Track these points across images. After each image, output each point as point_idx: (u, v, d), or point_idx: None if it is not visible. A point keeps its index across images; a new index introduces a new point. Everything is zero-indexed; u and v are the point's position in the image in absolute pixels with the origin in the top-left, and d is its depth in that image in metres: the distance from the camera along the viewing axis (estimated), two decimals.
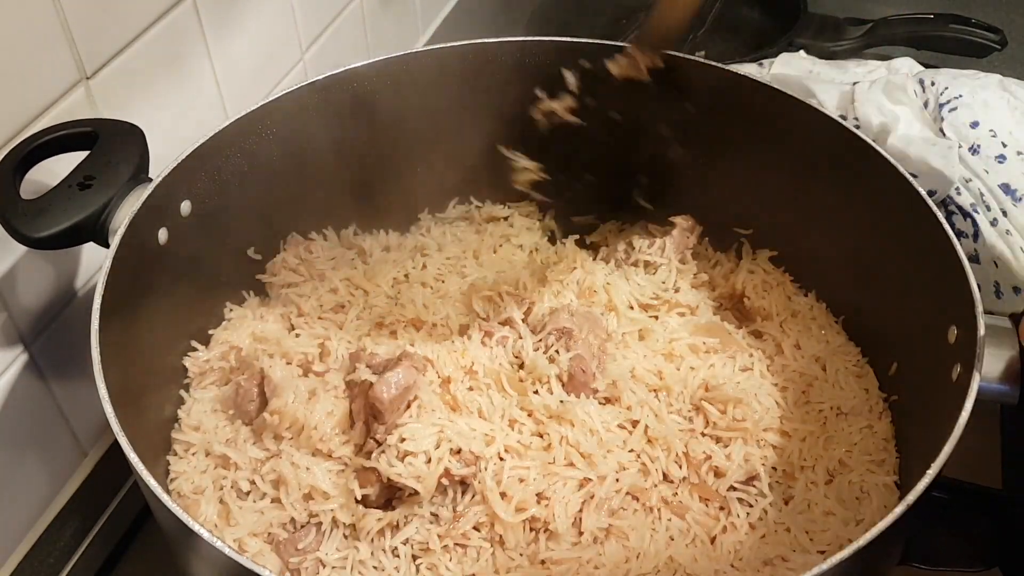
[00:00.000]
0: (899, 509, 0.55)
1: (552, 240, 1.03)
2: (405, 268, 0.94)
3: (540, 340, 0.83)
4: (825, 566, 0.52)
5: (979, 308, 0.65)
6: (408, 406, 0.76)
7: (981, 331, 0.63)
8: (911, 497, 0.56)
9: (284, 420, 0.77)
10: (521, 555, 0.72)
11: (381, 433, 0.75)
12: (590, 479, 0.74)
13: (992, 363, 0.64)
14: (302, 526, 0.75)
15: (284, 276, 0.93)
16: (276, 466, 0.76)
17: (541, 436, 0.76)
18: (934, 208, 0.74)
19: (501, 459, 0.74)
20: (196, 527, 0.56)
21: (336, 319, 0.87)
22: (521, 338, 0.83)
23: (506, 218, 1.03)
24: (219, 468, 0.78)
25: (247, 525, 0.74)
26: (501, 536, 0.72)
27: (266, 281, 0.94)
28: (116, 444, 0.61)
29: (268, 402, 0.78)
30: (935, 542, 0.80)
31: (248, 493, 0.77)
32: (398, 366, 0.77)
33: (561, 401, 0.78)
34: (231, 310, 0.91)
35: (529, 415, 0.78)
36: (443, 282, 0.92)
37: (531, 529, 0.73)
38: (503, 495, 0.72)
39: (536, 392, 0.79)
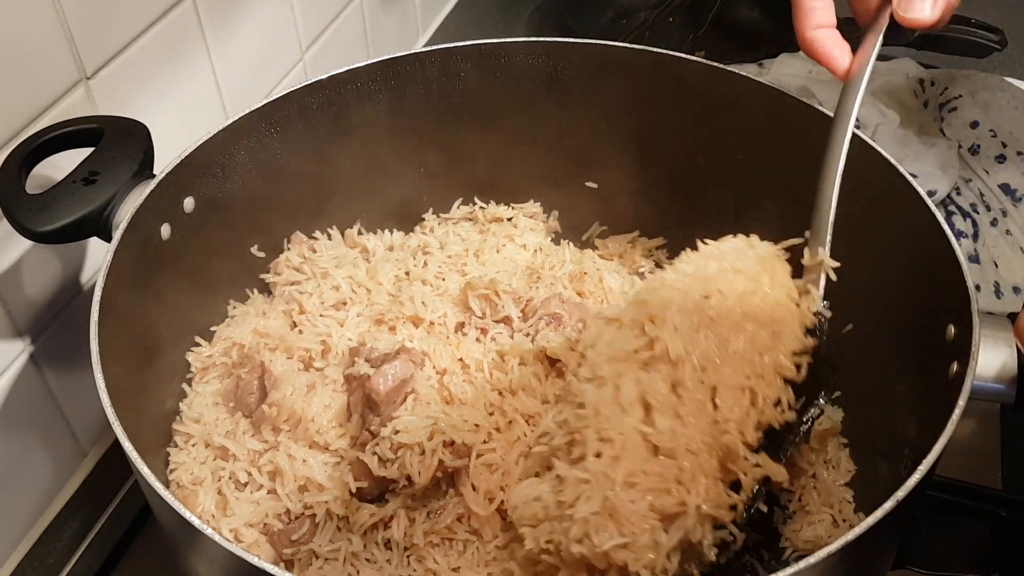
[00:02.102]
0: (888, 504, 0.54)
1: (556, 241, 1.03)
2: (407, 266, 0.94)
3: (531, 325, 0.83)
4: (813, 560, 0.52)
5: (975, 306, 0.65)
6: (404, 399, 0.77)
7: (976, 329, 0.63)
8: (901, 493, 0.55)
9: (282, 412, 0.78)
10: (498, 548, 0.72)
11: (376, 425, 0.75)
12: (531, 446, 0.74)
13: (988, 362, 0.63)
14: (296, 517, 0.76)
15: (287, 275, 0.93)
16: (273, 458, 0.77)
17: (504, 412, 0.77)
18: (934, 208, 0.74)
19: (484, 442, 0.74)
20: (190, 516, 0.56)
21: (338, 316, 0.88)
22: (514, 335, 0.84)
23: (510, 219, 1.03)
24: (218, 459, 0.79)
25: (243, 516, 0.75)
26: (478, 529, 0.73)
27: (269, 280, 0.94)
28: (117, 443, 0.61)
29: (268, 395, 0.79)
30: (934, 546, 0.80)
31: (246, 484, 0.77)
32: (395, 359, 0.78)
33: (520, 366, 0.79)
34: (234, 307, 0.91)
35: (499, 394, 0.78)
36: (443, 280, 0.92)
37: (503, 518, 0.73)
38: (474, 487, 0.72)
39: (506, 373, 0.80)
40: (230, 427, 0.80)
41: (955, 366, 0.64)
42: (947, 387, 0.64)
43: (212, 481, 0.77)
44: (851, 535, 0.52)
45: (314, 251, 0.96)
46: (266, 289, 0.95)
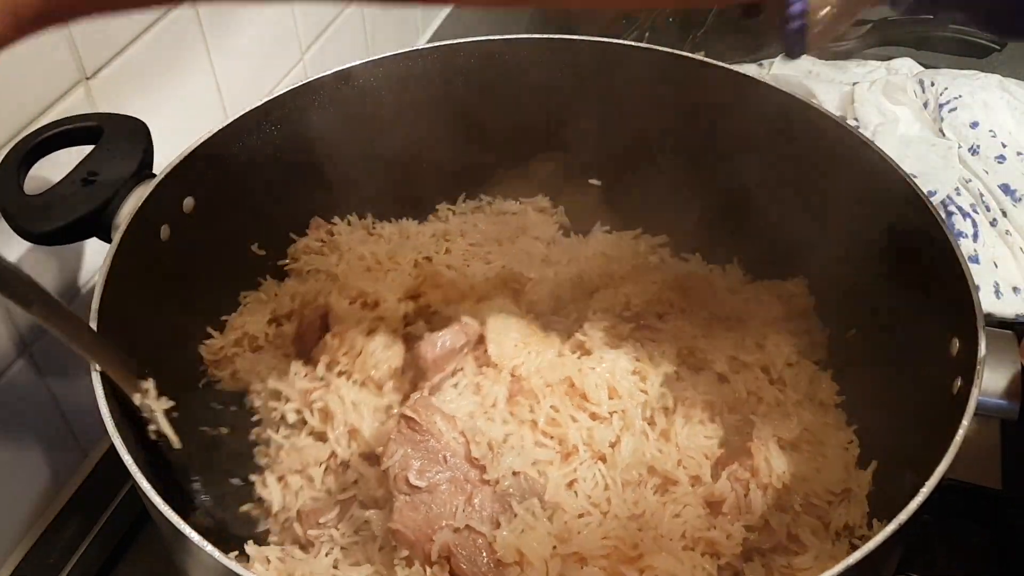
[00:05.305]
0: (891, 528, 0.54)
1: (566, 235, 1.02)
2: (427, 251, 0.94)
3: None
4: None
5: (981, 323, 0.64)
6: (453, 373, 0.78)
7: (982, 349, 0.62)
8: (903, 516, 0.55)
9: (344, 343, 0.79)
10: None
11: (426, 391, 0.76)
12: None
13: (993, 378, 0.63)
14: (332, 493, 0.76)
15: (307, 260, 0.93)
16: (324, 397, 0.78)
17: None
18: (934, 209, 0.74)
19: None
20: (188, 531, 0.56)
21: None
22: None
23: (515, 214, 1.03)
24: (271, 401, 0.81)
25: (290, 463, 0.76)
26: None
27: (290, 268, 0.94)
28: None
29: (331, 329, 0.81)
30: (934, 551, 0.80)
31: (293, 425, 0.79)
32: (449, 328, 0.79)
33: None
34: (246, 296, 0.91)
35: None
36: (468, 266, 0.92)
37: None
38: None
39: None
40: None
41: (959, 382, 0.64)
42: (950, 402, 0.63)
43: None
44: (852, 559, 0.53)
45: (332, 235, 0.96)
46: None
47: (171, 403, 0.73)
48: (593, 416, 0.77)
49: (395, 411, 0.78)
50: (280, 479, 0.77)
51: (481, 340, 0.80)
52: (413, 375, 0.79)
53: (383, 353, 0.79)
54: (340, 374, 0.80)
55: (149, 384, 0.72)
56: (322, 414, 0.78)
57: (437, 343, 0.78)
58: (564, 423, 0.76)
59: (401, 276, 0.90)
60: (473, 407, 0.77)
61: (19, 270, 0.60)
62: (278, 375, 0.82)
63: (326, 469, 0.78)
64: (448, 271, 0.90)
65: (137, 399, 0.70)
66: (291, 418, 0.78)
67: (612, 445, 0.76)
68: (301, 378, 0.81)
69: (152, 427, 0.72)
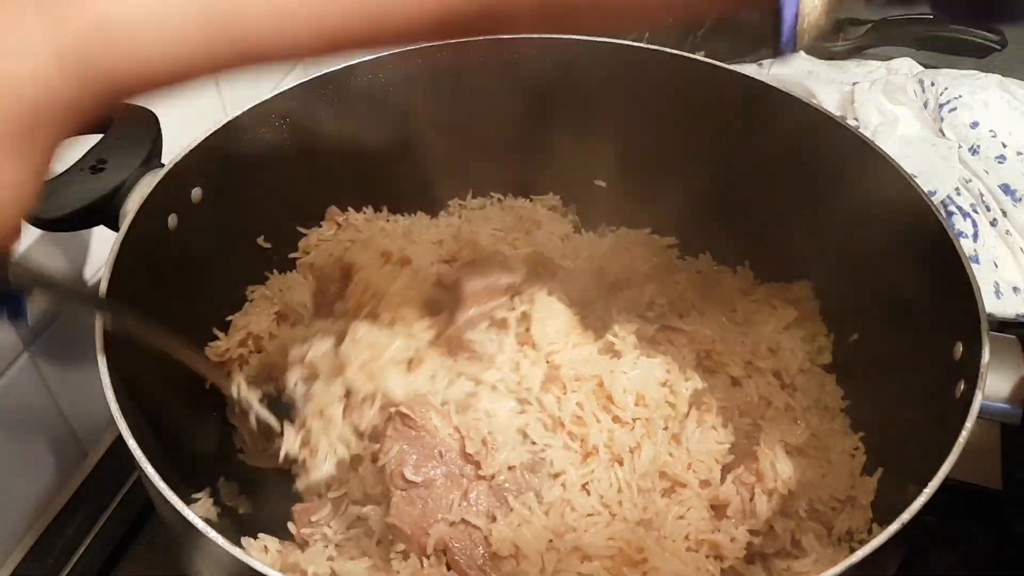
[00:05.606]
0: (894, 527, 0.54)
1: (577, 233, 1.02)
2: (445, 235, 0.93)
3: None
4: None
5: (985, 328, 0.64)
6: (491, 319, 0.78)
7: (986, 355, 0.62)
8: (906, 516, 0.55)
9: (369, 287, 0.78)
10: None
11: (461, 321, 0.76)
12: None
13: (997, 383, 0.63)
14: (319, 496, 0.76)
15: (321, 250, 0.93)
16: (335, 346, 0.77)
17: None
18: (935, 209, 0.74)
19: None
20: (197, 521, 0.56)
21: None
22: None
23: (527, 210, 1.02)
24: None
25: (308, 411, 0.76)
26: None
27: (301, 262, 0.93)
28: (117, 443, 0.61)
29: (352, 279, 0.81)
30: (934, 551, 0.80)
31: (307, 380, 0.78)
32: (495, 265, 0.80)
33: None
34: (252, 291, 0.91)
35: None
36: (497, 246, 0.92)
37: None
38: None
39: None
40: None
41: (962, 385, 0.64)
42: (953, 406, 0.63)
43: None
44: (855, 558, 0.53)
45: (348, 222, 0.95)
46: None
47: (259, 392, 0.77)
48: (616, 419, 0.76)
49: (428, 350, 0.77)
50: (301, 427, 0.75)
51: (525, 317, 0.80)
52: (447, 313, 0.78)
53: (409, 292, 0.78)
54: (365, 318, 0.78)
55: (240, 377, 0.77)
56: (335, 368, 0.77)
57: (479, 277, 0.78)
58: (588, 422, 0.75)
59: (430, 245, 0.89)
60: (513, 385, 0.76)
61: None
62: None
63: (346, 407, 0.76)
64: (479, 248, 0.90)
65: (234, 391, 0.76)
66: (297, 386, 0.77)
67: (632, 450, 0.75)
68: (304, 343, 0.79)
69: (252, 416, 0.76)
